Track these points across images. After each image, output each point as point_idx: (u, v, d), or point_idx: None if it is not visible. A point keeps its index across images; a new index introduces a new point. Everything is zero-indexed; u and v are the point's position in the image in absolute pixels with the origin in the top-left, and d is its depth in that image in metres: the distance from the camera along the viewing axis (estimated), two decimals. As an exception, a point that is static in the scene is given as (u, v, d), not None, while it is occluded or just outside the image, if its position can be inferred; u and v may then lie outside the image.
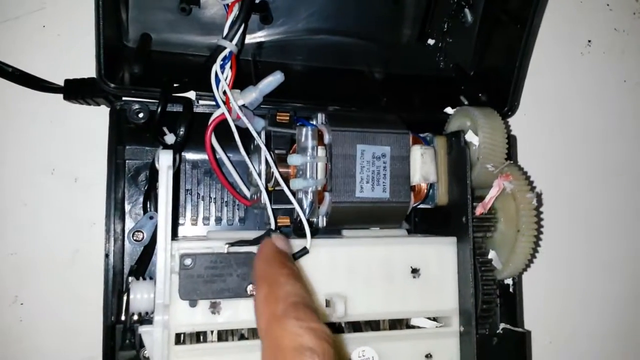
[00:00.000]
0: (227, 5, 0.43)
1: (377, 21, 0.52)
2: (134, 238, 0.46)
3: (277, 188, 0.43)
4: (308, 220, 0.42)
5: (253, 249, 0.38)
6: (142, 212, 0.47)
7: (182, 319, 0.37)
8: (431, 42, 0.54)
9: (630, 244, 0.63)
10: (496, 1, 0.53)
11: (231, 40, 0.43)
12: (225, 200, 0.50)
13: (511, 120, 0.54)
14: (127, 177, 0.48)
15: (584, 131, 0.63)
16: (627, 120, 0.64)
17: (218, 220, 0.50)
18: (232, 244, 0.38)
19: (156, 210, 0.45)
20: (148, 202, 0.46)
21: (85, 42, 0.48)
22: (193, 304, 0.37)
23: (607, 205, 0.63)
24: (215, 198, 0.50)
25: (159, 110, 0.42)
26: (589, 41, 0.64)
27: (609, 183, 0.63)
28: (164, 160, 0.38)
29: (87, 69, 0.46)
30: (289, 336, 0.28)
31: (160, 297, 0.37)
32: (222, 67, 0.43)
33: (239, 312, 0.38)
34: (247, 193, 0.47)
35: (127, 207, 0.48)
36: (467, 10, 0.53)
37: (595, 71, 0.64)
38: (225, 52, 0.42)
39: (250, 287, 0.38)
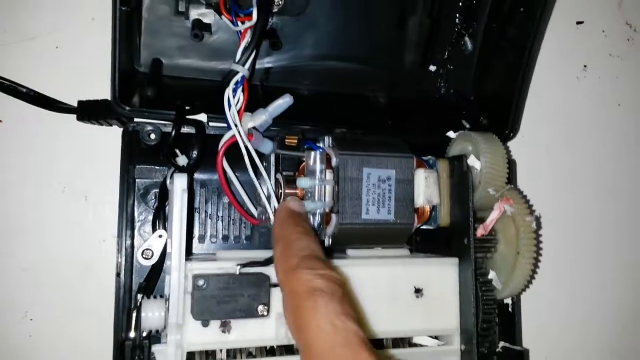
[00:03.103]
0: (240, 32, 0.45)
1: (382, 48, 0.54)
2: (144, 256, 0.47)
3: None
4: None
5: (263, 270, 0.39)
6: (151, 230, 0.48)
7: (195, 339, 0.38)
8: (433, 68, 0.56)
9: (628, 265, 0.65)
10: (496, 29, 0.55)
11: (244, 65, 0.44)
12: (233, 218, 0.51)
13: (508, 143, 0.56)
14: (136, 195, 0.49)
15: (580, 154, 0.65)
16: (622, 143, 0.66)
17: (225, 238, 0.51)
18: (243, 266, 0.39)
19: (165, 228, 0.47)
20: (157, 221, 0.47)
21: (98, 63, 0.49)
22: (206, 324, 0.38)
23: (604, 226, 0.64)
24: (222, 216, 0.51)
25: (173, 134, 0.44)
26: (585, 66, 0.66)
27: (605, 204, 0.65)
28: (179, 184, 0.40)
29: (99, 89, 0.48)
30: (302, 282, 0.32)
31: (174, 317, 0.38)
32: (235, 91, 0.44)
33: (248, 332, 0.40)
34: (255, 212, 0.49)
35: (137, 225, 0.49)
36: (467, 39, 0.55)
37: (591, 95, 0.66)
38: (238, 77, 0.44)
39: (260, 308, 0.39)
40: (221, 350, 0.41)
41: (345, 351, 0.28)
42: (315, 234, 0.38)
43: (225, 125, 0.44)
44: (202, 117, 0.48)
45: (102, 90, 0.47)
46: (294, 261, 0.33)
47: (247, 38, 0.44)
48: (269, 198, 0.44)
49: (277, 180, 0.45)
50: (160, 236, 0.47)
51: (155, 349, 0.38)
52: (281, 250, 0.35)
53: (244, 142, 0.43)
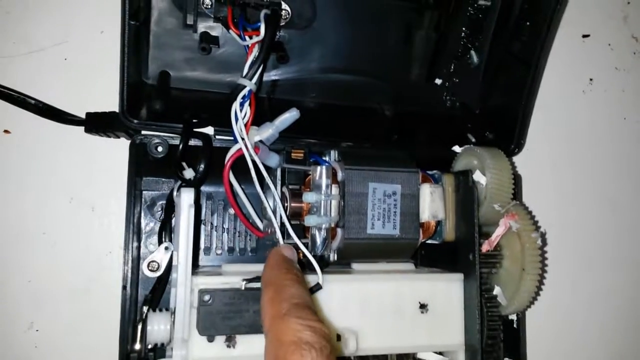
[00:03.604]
0: (248, 46, 0.45)
1: (388, 61, 0.54)
2: (149, 268, 0.47)
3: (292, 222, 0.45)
4: (321, 256, 0.43)
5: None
6: (156, 241, 0.48)
7: (200, 353, 0.38)
8: (439, 81, 0.56)
9: (634, 279, 0.65)
10: (502, 43, 0.55)
11: (251, 79, 0.44)
12: (238, 230, 0.51)
13: (514, 157, 0.56)
14: (143, 207, 0.50)
15: (586, 168, 0.65)
16: (627, 157, 0.66)
17: (230, 250, 0.51)
18: (249, 280, 0.39)
19: (171, 240, 0.47)
20: (163, 233, 0.48)
21: (106, 75, 0.50)
22: (211, 339, 0.38)
23: (610, 240, 0.64)
24: (228, 228, 0.51)
25: (181, 146, 0.44)
26: (591, 79, 0.66)
27: (611, 219, 0.65)
28: (186, 199, 0.40)
29: (107, 101, 0.48)
30: (290, 332, 0.30)
31: (179, 331, 0.38)
32: (242, 104, 0.44)
33: (253, 347, 0.39)
34: (260, 225, 0.49)
35: (143, 237, 0.49)
36: (473, 52, 0.55)
37: (597, 109, 0.66)
38: (245, 91, 0.44)
39: (266, 323, 0.39)
40: (226, 364, 0.41)
41: None
42: (305, 284, 0.37)
43: (232, 138, 0.44)
44: (209, 130, 0.48)
45: (110, 102, 0.47)
46: (284, 307, 0.32)
47: (255, 52, 0.45)
48: (274, 211, 0.44)
49: (282, 193, 0.45)
50: (166, 248, 0.47)
51: (161, 363, 0.38)
52: (270, 295, 0.34)
53: (250, 156, 0.43)
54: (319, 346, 0.29)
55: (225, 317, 0.38)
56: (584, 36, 0.66)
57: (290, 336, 0.30)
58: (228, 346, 0.39)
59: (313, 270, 0.41)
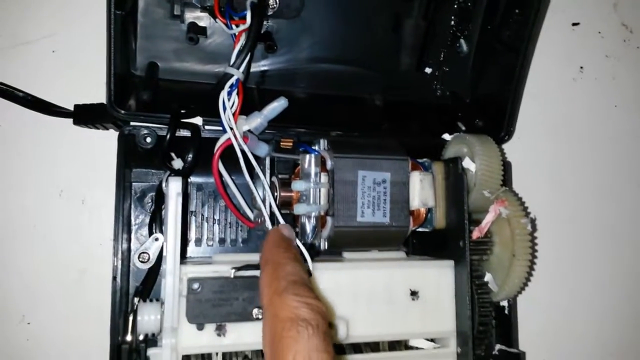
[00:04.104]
0: (235, 34, 0.45)
1: (377, 50, 0.54)
2: (140, 259, 0.47)
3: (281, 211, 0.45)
4: (311, 244, 0.43)
5: (258, 273, 0.39)
6: (147, 233, 0.48)
7: (190, 342, 0.38)
8: (428, 70, 0.56)
9: (625, 265, 0.65)
10: (490, 31, 0.55)
11: (238, 68, 0.44)
12: (229, 221, 0.51)
13: (504, 144, 0.56)
14: (133, 199, 0.50)
15: (576, 155, 0.65)
16: (618, 144, 0.66)
17: (221, 241, 0.51)
18: (238, 269, 0.39)
19: (161, 231, 0.47)
20: (154, 224, 0.48)
21: (94, 67, 0.49)
22: (200, 327, 0.38)
23: (600, 227, 0.64)
24: (219, 219, 0.51)
25: (168, 137, 0.44)
26: (581, 67, 0.66)
27: (601, 205, 0.65)
28: (174, 187, 0.40)
29: (95, 93, 0.48)
30: (287, 308, 0.31)
31: (169, 320, 0.38)
32: (229, 94, 0.44)
33: (244, 334, 0.39)
34: (251, 215, 0.49)
35: (133, 229, 0.49)
36: (462, 41, 0.55)
37: (587, 96, 0.66)
38: (233, 80, 0.44)
39: (255, 311, 0.39)
40: (216, 354, 0.41)
41: None
42: (302, 263, 0.37)
43: (221, 128, 0.44)
44: (198, 120, 0.48)
45: (98, 93, 0.47)
46: (282, 285, 0.32)
47: (242, 41, 0.45)
48: (264, 201, 0.44)
49: (272, 182, 0.45)
50: (157, 239, 0.47)
51: (150, 352, 0.38)
52: (269, 272, 0.35)
53: (239, 145, 0.43)
54: (316, 323, 0.30)
55: (214, 305, 0.38)
56: (574, 24, 0.66)
57: (287, 312, 0.30)
58: (218, 335, 0.39)
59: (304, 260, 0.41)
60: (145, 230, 0.49)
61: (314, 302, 0.31)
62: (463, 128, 0.54)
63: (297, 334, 0.29)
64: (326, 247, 0.45)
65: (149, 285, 0.46)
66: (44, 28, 0.52)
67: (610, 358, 0.63)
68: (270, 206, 0.43)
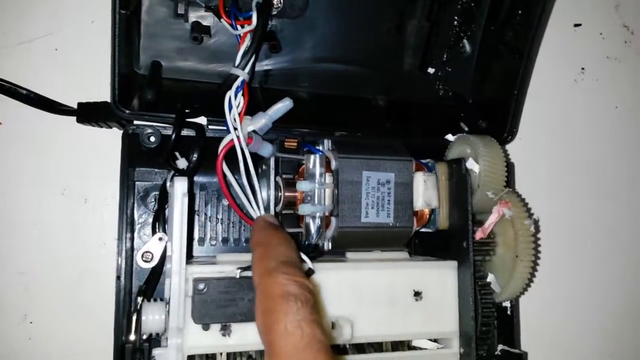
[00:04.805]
0: (240, 35, 0.45)
1: (381, 50, 0.54)
2: (143, 259, 0.47)
3: (285, 212, 0.45)
4: (315, 244, 0.44)
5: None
6: (150, 232, 0.48)
7: (195, 342, 0.38)
8: (431, 70, 0.56)
9: (627, 266, 0.65)
10: (494, 32, 0.55)
11: (243, 69, 0.44)
12: (232, 221, 0.51)
13: (507, 145, 0.56)
14: (136, 198, 0.49)
15: (578, 156, 0.65)
16: (619, 145, 0.67)
17: (225, 240, 0.51)
18: (243, 269, 0.39)
19: (165, 231, 0.47)
20: (157, 224, 0.48)
21: (97, 65, 0.49)
22: (206, 327, 0.38)
23: (602, 228, 0.65)
24: (222, 219, 0.51)
25: (173, 136, 0.44)
26: (583, 68, 0.67)
27: (603, 207, 0.65)
28: (179, 188, 0.40)
29: (99, 91, 0.48)
30: (277, 286, 0.33)
31: (174, 320, 0.38)
32: (235, 94, 0.44)
33: (248, 335, 0.39)
34: (254, 215, 0.49)
35: (136, 228, 0.49)
36: (465, 41, 0.55)
37: (588, 97, 0.66)
38: (238, 82, 0.44)
39: (261, 311, 0.39)
40: (221, 354, 0.41)
41: (307, 354, 0.29)
42: (292, 244, 0.39)
43: (225, 128, 0.44)
44: (202, 120, 0.48)
45: (101, 92, 0.47)
46: (272, 264, 0.34)
47: (247, 42, 0.44)
48: (266, 201, 0.44)
49: (276, 183, 0.45)
50: (160, 239, 0.47)
51: (156, 352, 0.38)
52: (260, 253, 0.37)
53: (241, 148, 0.43)
54: (304, 298, 0.32)
55: (220, 305, 0.38)
56: (576, 25, 0.67)
57: (277, 289, 0.32)
58: (223, 335, 0.39)
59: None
60: (148, 230, 0.49)
61: (302, 280, 0.33)
62: (466, 129, 0.54)
63: (287, 307, 0.31)
64: (330, 247, 0.45)
65: (152, 284, 0.46)
66: (47, 26, 0.51)
67: (611, 358, 0.64)
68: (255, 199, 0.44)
